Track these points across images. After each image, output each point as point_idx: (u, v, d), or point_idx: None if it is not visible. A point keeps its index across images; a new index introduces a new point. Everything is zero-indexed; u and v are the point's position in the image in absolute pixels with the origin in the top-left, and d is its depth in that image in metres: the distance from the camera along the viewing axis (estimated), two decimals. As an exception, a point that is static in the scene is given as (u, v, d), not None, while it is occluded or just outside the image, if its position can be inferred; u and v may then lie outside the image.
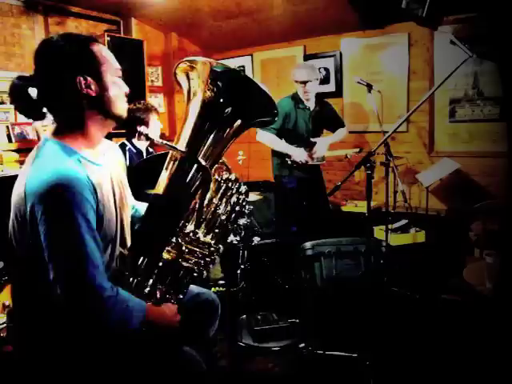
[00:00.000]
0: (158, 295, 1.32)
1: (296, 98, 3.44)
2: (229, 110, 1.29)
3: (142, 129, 1.19)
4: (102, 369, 1.20)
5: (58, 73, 1.20)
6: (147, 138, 1.29)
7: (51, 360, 1.20)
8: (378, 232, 3.32)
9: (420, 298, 2.88)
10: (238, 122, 1.33)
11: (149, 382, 1.26)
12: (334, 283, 2.62)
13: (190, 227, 1.36)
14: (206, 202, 1.37)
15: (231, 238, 3.07)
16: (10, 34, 3.47)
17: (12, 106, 3.42)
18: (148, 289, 1.31)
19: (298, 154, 3.34)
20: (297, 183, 3.43)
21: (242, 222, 3.07)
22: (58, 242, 1.10)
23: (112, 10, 4.09)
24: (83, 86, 1.20)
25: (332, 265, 2.65)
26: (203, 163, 1.27)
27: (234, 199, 1.45)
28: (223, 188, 1.44)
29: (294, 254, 2.97)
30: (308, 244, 2.70)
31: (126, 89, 1.30)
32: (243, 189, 1.48)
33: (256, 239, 3.19)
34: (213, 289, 3.06)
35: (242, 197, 1.47)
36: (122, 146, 2.84)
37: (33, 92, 1.23)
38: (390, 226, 3.03)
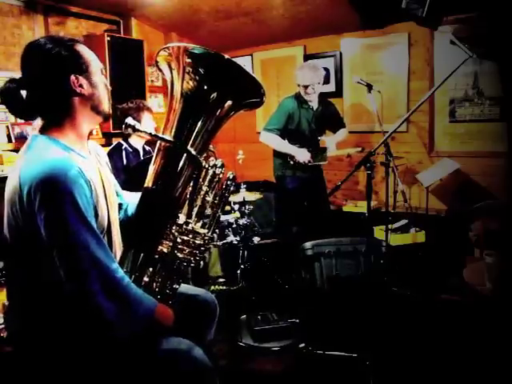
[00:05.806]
0: (155, 287, 1.32)
1: (299, 98, 3.41)
2: (214, 95, 1.27)
3: (128, 120, 1.16)
4: (102, 364, 1.20)
5: (48, 74, 1.22)
6: (134, 129, 1.27)
7: (51, 353, 1.19)
8: (378, 232, 3.32)
9: (420, 297, 2.88)
10: (225, 106, 1.31)
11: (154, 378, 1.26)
12: (334, 283, 2.62)
13: (183, 218, 1.36)
14: (196, 191, 1.38)
15: (231, 237, 3.10)
16: (10, 33, 3.47)
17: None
18: (145, 281, 1.31)
19: (302, 155, 3.34)
20: (298, 183, 3.43)
21: (241, 221, 3.10)
22: (60, 228, 1.10)
23: (112, 10, 4.09)
24: (76, 85, 1.24)
25: (332, 265, 2.65)
26: (193, 152, 1.25)
27: (222, 185, 1.47)
28: (210, 175, 1.45)
29: (294, 254, 2.98)
30: (308, 244, 2.70)
31: (109, 87, 1.37)
32: (230, 175, 1.49)
33: (256, 239, 3.19)
34: (212, 287, 3.06)
35: (229, 182, 1.48)
36: (118, 146, 2.82)
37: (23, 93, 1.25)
38: (390, 226, 3.02)
